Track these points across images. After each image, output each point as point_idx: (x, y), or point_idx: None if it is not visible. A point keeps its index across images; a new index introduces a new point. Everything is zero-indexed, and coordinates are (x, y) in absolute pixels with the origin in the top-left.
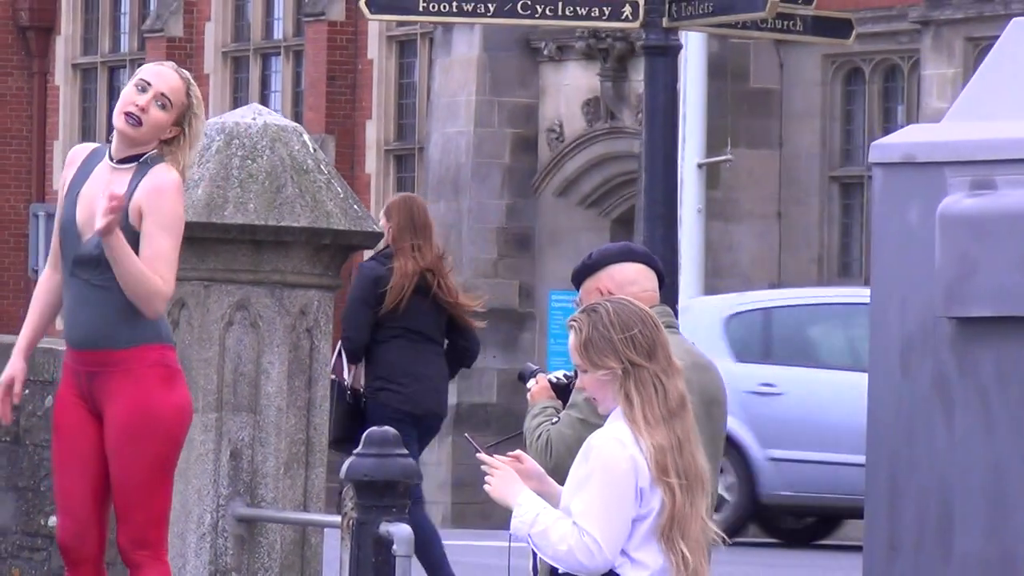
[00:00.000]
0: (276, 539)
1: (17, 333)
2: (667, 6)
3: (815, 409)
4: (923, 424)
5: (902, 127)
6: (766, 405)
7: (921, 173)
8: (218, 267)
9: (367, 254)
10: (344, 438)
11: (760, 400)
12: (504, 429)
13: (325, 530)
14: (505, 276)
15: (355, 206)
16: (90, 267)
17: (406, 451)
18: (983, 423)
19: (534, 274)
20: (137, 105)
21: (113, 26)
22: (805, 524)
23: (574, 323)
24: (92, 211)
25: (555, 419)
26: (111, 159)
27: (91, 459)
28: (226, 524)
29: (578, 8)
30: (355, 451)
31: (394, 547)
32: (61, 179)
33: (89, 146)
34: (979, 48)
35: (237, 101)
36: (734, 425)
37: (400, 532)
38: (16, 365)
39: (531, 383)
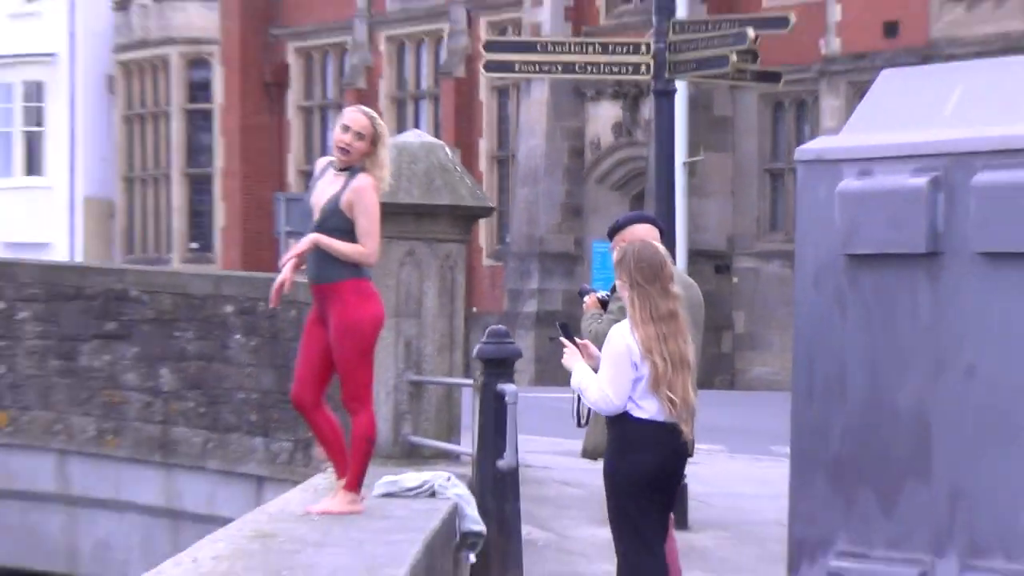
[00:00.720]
0: (432, 394)
1: (269, 272)
2: (668, 66)
3: None
4: (828, 319)
5: (809, 139)
6: None
7: (827, 166)
8: (395, 230)
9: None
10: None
11: None
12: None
13: (463, 388)
14: (565, 233)
15: (477, 191)
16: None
17: (513, 340)
18: (864, 318)
19: (583, 231)
20: (344, 141)
21: (323, 83)
22: None
23: (615, 252)
24: (321, 200)
25: (600, 320)
26: (335, 169)
27: (314, 349)
28: (402, 385)
29: (611, 68)
30: (481, 340)
31: (506, 397)
32: (312, 178)
33: (326, 159)
34: (857, 89)
35: (400, 128)
36: None
37: (509, 389)
38: (286, 274)
39: (586, 298)
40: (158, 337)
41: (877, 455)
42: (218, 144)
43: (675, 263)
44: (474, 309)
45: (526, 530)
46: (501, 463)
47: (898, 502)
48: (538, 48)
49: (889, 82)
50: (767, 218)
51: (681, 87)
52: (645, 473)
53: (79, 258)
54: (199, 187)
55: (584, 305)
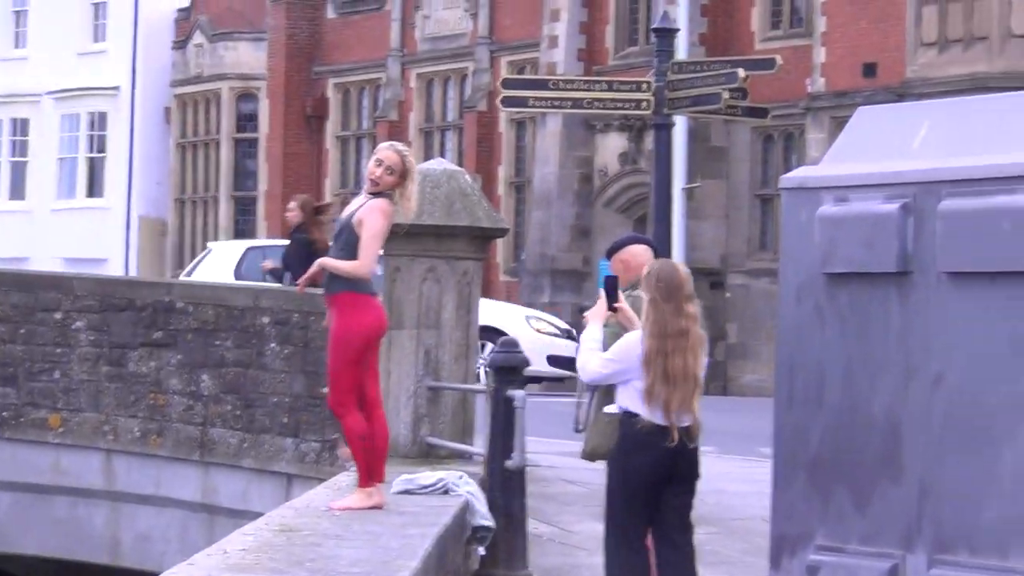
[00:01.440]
0: (448, 399)
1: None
2: (666, 102)
3: None
4: (808, 332)
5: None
6: None
7: (808, 193)
8: (419, 248)
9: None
10: None
11: None
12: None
13: (477, 394)
14: (575, 252)
15: (493, 214)
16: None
17: (521, 350)
18: (840, 331)
19: (591, 251)
20: (376, 174)
21: (358, 116)
22: None
23: (646, 268)
24: (343, 217)
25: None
26: (366, 193)
27: None
28: (421, 390)
29: (616, 104)
30: (493, 350)
31: (515, 402)
32: None
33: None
34: (839, 124)
35: (427, 156)
36: None
37: (518, 395)
38: (314, 269)
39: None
40: (200, 345)
41: (852, 456)
42: (262, 170)
43: None
44: None
45: (532, 525)
46: (509, 463)
47: (871, 500)
48: (550, 86)
49: (864, 118)
50: (757, 239)
51: (680, 120)
52: (636, 473)
53: (133, 273)
54: (244, 208)
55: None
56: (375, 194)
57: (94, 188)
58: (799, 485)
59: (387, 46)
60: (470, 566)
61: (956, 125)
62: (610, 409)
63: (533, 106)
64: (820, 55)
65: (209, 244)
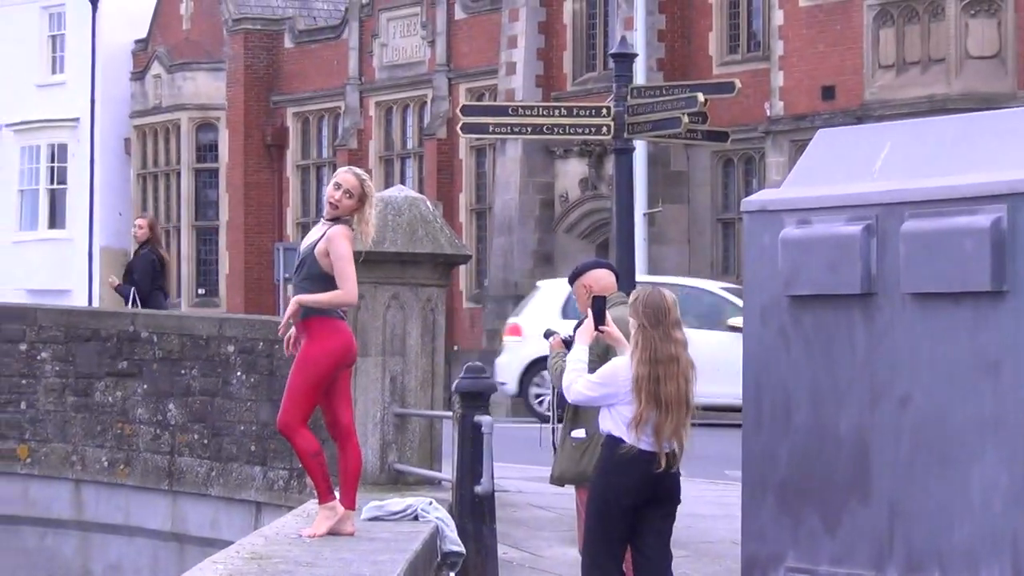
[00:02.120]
0: (416, 426)
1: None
2: (626, 127)
3: None
4: (773, 355)
5: (756, 191)
6: None
7: (770, 216)
8: (381, 275)
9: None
10: None
11: None
12: None
13: (444, 420)
14: (538, 277)
15: (455, 240)
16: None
17: (489, 375)
18: (806, 353)
19: (554, 276)
20: (335, 198)
21: (318, 144)
22: None
23: (633, 294)
24: (303, 247)
25: (564, 359)
26: (324, 219)
27: None
28: (388, 417)
29: (576, 129)
30: (460, 375)
31: (483, 428)
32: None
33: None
34: (799, 147)
35: (388, 183)
36: None
37: (486, 420)
38: (292, 308)
39: (551, 339)
40: (166, 375)
41: (821, 478)
42: (223, 199)
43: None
44: (456, 347)
45: (502, 550)
46: (479, 488)
47: (841, 521)
48: (509, 112)
49: (825, 140)
50: (720, 263)
51: (641, 145)
52: (616, 496)
53: (96, 303)
54: (206, 238)
55: (549, 346)
56: (333, 219)
57: (55, 219)
58: (769, 507)
59: (345, 75)
60: None
61: (917, 146)
62: (577, 434)
63: (493, 132)
64: (779, 79)
65: (538, 283)
